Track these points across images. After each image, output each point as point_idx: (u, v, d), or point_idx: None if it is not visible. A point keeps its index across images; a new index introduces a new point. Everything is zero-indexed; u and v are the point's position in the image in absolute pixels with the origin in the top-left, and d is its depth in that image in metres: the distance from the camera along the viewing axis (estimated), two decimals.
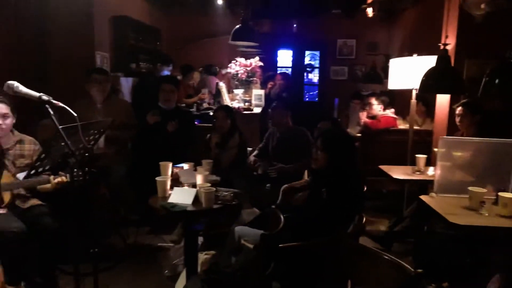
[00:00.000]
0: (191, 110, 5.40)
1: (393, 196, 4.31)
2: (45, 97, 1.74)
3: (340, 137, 2.43)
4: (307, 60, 8.82)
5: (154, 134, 3.85)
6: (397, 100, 5.66)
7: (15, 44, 3.55)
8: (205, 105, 5.73)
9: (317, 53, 8.71)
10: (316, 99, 8.84)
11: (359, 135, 4.81)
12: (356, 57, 8.05)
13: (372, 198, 4.39)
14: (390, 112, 4.90)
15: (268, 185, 3.68)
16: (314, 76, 8.90)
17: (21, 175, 2.55)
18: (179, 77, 6.21)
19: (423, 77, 3.36)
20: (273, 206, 2.42)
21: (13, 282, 2.39)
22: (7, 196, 2.53)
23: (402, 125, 4.89)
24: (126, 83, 5.06)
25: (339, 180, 2.21)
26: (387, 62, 5.61)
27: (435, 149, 3.01)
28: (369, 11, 6.16)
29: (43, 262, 2.56)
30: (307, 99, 8.94)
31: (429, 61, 3.51)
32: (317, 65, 8.78)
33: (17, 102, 2.55)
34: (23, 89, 1.73)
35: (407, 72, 3.82)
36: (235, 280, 1.90)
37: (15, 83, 1.71)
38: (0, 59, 3.31)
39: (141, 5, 6.21)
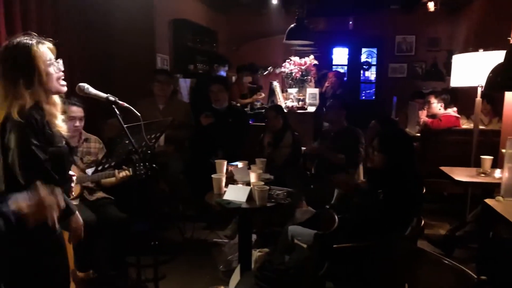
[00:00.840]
0: (245, 109, 5.47)
1: (454, 199, 4.10)
2: (111, 98, 1.86)
3: (398, 137, 2.35)
4: (363, 58, 8.61)
5: (208, 133, 3.97)
6: (460, 98, 5.36)
7: (85, 49, 3.81)
8: (258, 104, 5.79)
9: (374, 50, 8.47)
10: (373, 97, 8.61)
11: (418, 135, 4.63)
12: (415, 54, 7.73)
13: (431, 201, 4.20)
14: (452, 111, 4.65)
15: (312, 186, 3.67)
16: (371, 74, 8.67)
17: (89, 171, 2.75)
18: (234, 77, 6.32)
19: (490, 73, 3.15)
20: (327, 206, 2.40)
21: (83, 269, 2.58)
22: (77, 189, 2.73)
23: (465, 125, 4.63)
24: (184, 84, 5.25)
25: (396, 182, 2.15)
26: (450, 58, 5.33)
27: (503, 150, 2.82)
28: (430, 6, 5.89)
29: (112, 251, 2.75)
30: (363, 97, 8.73)
31: (497, 57, 3.29)
32: (374, 63, 8.54)
33: (85, 103, 2.76)
34: (92, 90, 1.86)
35: (472, 68, 3.61)
36: (288, 278, 1.92)
37: (86, 85, 1.84)
38: (73, 64, 3.57)
39: (199, 7, 6.40)
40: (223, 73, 5.45)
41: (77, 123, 2.80)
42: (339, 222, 2.10)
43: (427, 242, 3.42)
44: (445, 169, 3.29)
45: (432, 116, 4.62)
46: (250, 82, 6.13)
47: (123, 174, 2.71)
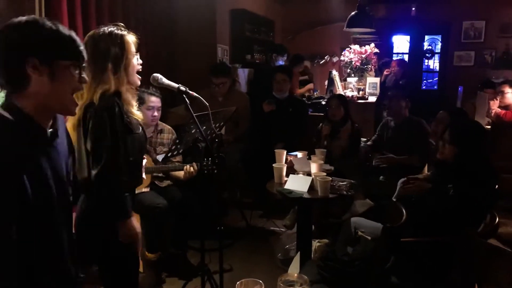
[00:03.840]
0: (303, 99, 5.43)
1: None
2: (182, 88, 1.93)
3: (472, 128, 2.22)
4: (426, 45, 8.20)
5: (268, 122, 4.00)
6: None
7: (151, 41, 3.97)
8: (316, 94, 5.71)
9: (438, 37, 8.03)
10: (435, 87, 8.20)
11: (488, 127, 4.35)
12: (485, 41, 7.22)
13: (504, 197, 3.94)
14: None
15: (381, 177, 3.57)
16: (434, 63, 8.24)
17: (160, 157, 2.88)
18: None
19: None
20: (394, 199, 2.33)
21: (152, 250, 2.73)
22: (148, 178, 2.88)
23: None
24: (242, 74, 5.30)
25: (469, 177, 2.04)
26: None
27: None
28: None
29: (177, 235, 2.88)
30: (424, 87, 8.34)
31: None
32: (438, 51, 8.10)
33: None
34: (165, 80, 1.92)
35: None
36: (353, 269, 1.90)
37: (159, 76, 1.91)
38: (141, 56, 3.73)
39: None
40: (281, 62, 5.42)
41: (155, 113, 2.88)
42: (406, 216, 2.04)
43: (498, 242, 3.23)
44: None
45: (505, 107, 4.33)
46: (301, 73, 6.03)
47: (190, 171, 2.78)
